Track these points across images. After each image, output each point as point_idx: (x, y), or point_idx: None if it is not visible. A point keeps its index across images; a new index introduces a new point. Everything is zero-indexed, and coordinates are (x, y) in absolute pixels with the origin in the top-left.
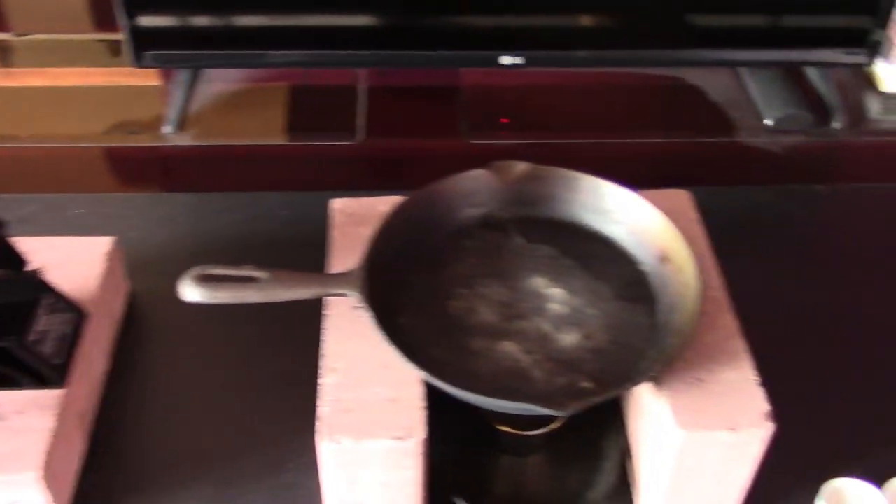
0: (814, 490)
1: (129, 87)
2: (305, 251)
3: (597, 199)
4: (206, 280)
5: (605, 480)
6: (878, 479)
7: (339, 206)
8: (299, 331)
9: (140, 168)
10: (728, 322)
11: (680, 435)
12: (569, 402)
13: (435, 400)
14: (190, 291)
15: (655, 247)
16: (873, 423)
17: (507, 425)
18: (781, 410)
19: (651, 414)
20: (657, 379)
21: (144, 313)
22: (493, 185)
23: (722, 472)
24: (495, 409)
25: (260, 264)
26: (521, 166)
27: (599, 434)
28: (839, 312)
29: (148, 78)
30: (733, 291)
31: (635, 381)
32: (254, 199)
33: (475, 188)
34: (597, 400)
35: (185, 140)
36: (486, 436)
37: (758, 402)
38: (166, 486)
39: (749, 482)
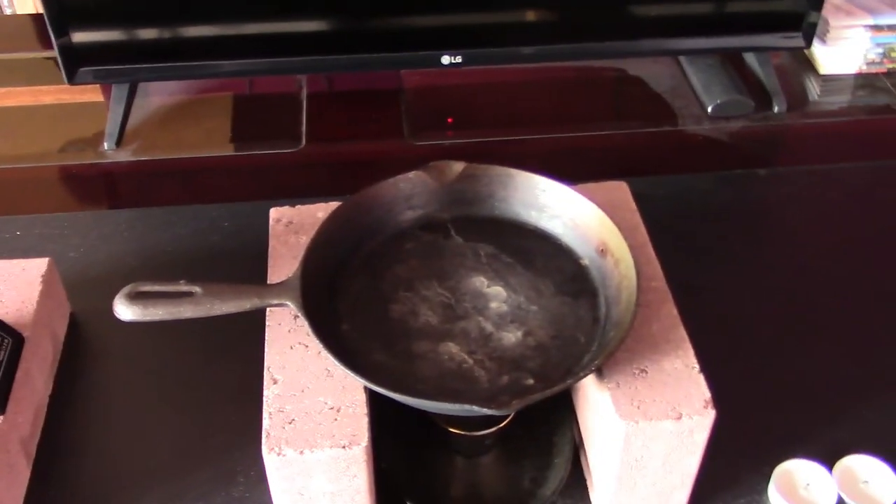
0: (765, 474)
1: (74, 104)
2: (250, 262)
3: (533, 196)
4: (139, 298)
5: (558, 476)
6: (829, 460)
7: (277, 215)
8: (244, 343)
9: (81, 187)
10: (669, 312)
11: (622, 426)
12: (511, 401)
13: (383, 404)
14: (123, 310)
15: (594, 240)
16: (820, 404)
17: (457, 427)
18: (727, 396)
19: (597, 406)
20: (599, 372)
21: (87, 334)
22: (430, 185)
23: (670, 461)
24: (439, 412)
25: (203, 277)
26: (457, 166)
27: (552, 429)
28: (784, 294)
29: (94, 94)
30: (676, 280)
31: (577, 377)
32: (196, 212)
33: (412, 190)
34: (538, 397)
35: (125, 156)
36: (437, 437)
37: (700, 389)
38: None
39: (698, 470)
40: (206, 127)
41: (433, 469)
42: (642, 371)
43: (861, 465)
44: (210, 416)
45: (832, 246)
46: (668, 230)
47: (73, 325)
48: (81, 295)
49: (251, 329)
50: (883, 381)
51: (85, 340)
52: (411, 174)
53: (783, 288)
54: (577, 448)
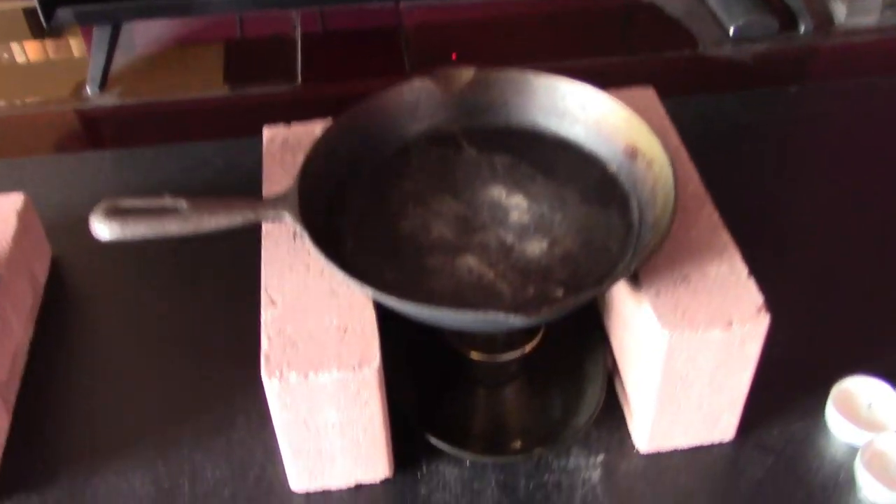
0: (823, 395)
1: (57, 59)
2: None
3: (553, 100)
4: (118, 214)
5: (591, 404)
6: (894, 378)
7: (272, 134)
8: (236, 275)
9: (64, 132)
10: (711, 215)
11: (664, 337)
12: (541, 308)
13: (395, 331)
14: (101, 227)
15: (621, 142)
16: (880, 319)
17: (479, 351)
18: (778, 311)
19: (634, 321)
20: (636, 277)
21: (71, 277)
22: (437, 95)
23: (717, 378)
24: (459, 326)
25: None
26: (467, 73)
27: (582, 356)
28: (831, 206)
29: (77, 48)
30: (715, 189)
31: (613, 279)
32: (186, 150)
33: (418, 100)
34: (570, 303)
35: (110, 100)
36: (457, 366)
37: (751, 294)
38: (105, 455)
39: (748, 388)
40: (196, 70)
41: (453, 401)
42: (685, 278)
43: None
44: (206, 358)
45: (874, 159)
46: (699, 146)
47: (56, 269)
48: (64, 238)
49: (246, 263)
50: None
51: (68, 284)
52: (416, 82)
53: (830, 200)
54: (611, 375)
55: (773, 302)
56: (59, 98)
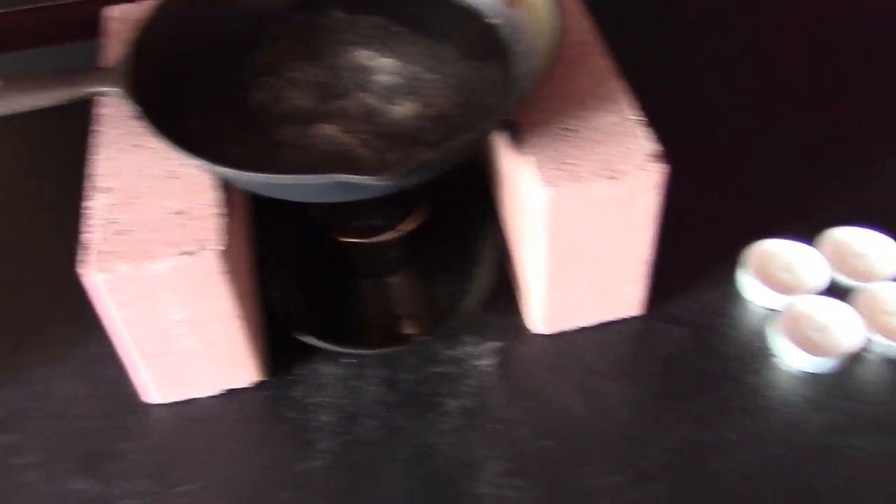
0: (737, 261)
1: None
2: None
3: None
4: None
5: (481, 287)
6: (811, 238)
7: (117, 13)
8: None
9: None
10: (601, 64)
11: (545, 194)
12: (394, 168)
13: (276, 227)
14: None
15: None
16: (789, 180)
17: (352, 234)
18: (684, 176)
19: (519, 185)
20: (516, 133)
21: None
22: None
23: (613, 242)
24: (312, 196)
25: None
26: None
27: (470, 235)
28: (748, 62)
29: None
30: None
31: (479, 132)
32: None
33: None
34: (432, 159)
35: None
36: (338, 258)
37: (639, 142)
38: None
39: (649, 254)
40: None
41: (331, 296)
42: (569, 130)
43: (854, 238)
44: (37, 266)
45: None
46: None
47: None
48: None
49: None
50: (872, 151)
51: None
52: None
53: (746, 56)
54: (505, 256)
55: (681, 164)
56: None
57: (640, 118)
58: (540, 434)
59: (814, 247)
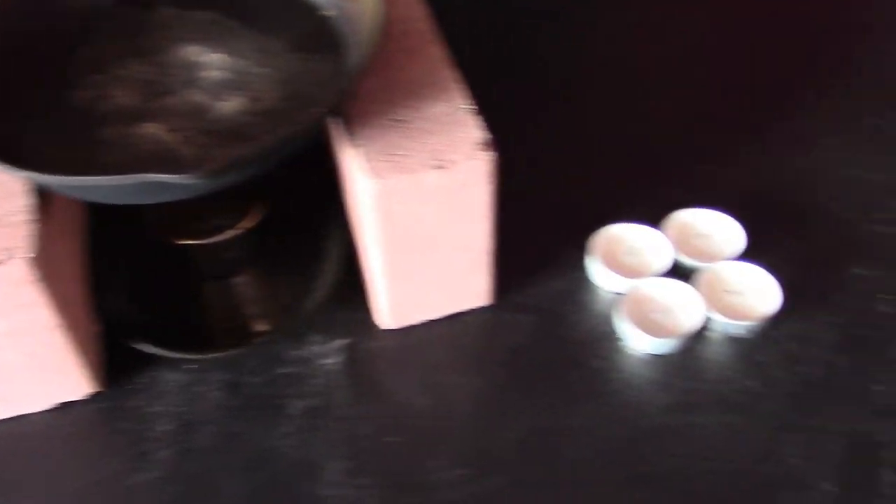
0: (583, 247)
1: None
2: None
3: None
4: None
5: (324, 284)
6: (656, 222)
7: None
8: None
9: None
10: (434, 53)
11: (371, 187)
12: (204, 166)
13: (113, 236)
14: None
15: None
16: (634, 165)
17: (186, 237)
18: (527, 166)
19: (354, 177)
20: (349, 131)
21: None
22: None
23: (450, 233)
24: (128, 197)
25: None
26: None
27: (317, 233)
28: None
29: None
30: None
31: (301, 125)
32: None
33: None
34: (243, 154)
35: None
36: (177, 263)
37: (468, 131)
38: None
39: (490, 243)
40: None
41: (171, 300)
42: (399, 121)
43: (698, 219)
44: None
45: None
46: None
47: None
48: None
49: None
50: (720, 136)
51: None
52: None
53: (588, 41)
54: (353, 252)
55: (524, 152)
56: None
57: (471, 107)
58: (382, 431)
59: (659, 230)
